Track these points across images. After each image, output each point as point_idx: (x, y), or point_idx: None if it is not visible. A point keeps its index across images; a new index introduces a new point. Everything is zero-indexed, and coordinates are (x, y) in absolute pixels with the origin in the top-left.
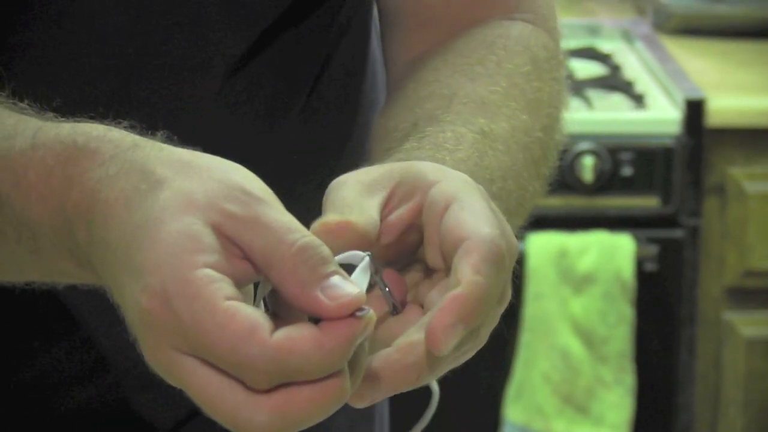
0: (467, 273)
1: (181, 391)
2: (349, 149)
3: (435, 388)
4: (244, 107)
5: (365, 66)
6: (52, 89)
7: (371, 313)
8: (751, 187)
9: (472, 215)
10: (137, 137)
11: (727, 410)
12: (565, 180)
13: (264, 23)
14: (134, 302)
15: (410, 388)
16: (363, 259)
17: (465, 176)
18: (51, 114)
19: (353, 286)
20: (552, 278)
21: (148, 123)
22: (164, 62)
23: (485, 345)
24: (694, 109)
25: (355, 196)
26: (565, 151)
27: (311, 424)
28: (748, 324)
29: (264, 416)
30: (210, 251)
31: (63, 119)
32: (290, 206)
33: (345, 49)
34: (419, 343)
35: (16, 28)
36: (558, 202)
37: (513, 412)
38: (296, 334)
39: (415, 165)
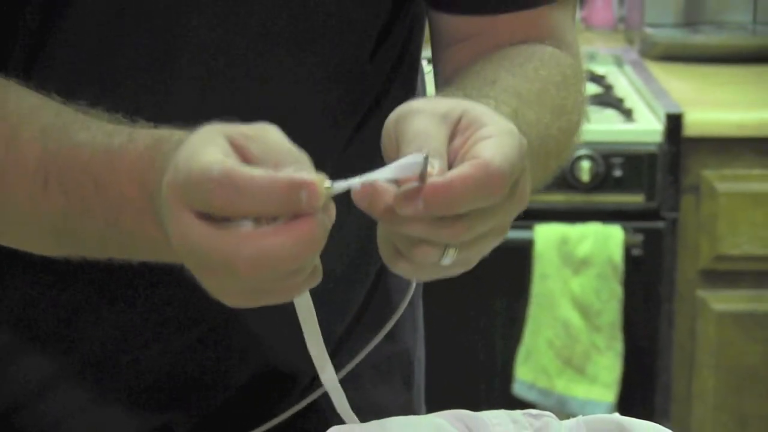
0: (486, 148)
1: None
2: None
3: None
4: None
5: (413, 97)
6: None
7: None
8: (722, 186)
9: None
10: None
11: (701, 372)
12: (566, 180)
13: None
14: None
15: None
16: (421, 158)
17: (512, 126)
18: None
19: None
20: (555, 262)
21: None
22: (235, 75)
23: (501, 318)
24: (674, 122)
25: (430, 125)
26: None
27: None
28: (718, 301)
29: (247, 251)
30: (220, 145)
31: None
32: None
33: (397, 82)
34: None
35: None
36: (560, 198)
37: (522, 371)
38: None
39: (476, 106)
